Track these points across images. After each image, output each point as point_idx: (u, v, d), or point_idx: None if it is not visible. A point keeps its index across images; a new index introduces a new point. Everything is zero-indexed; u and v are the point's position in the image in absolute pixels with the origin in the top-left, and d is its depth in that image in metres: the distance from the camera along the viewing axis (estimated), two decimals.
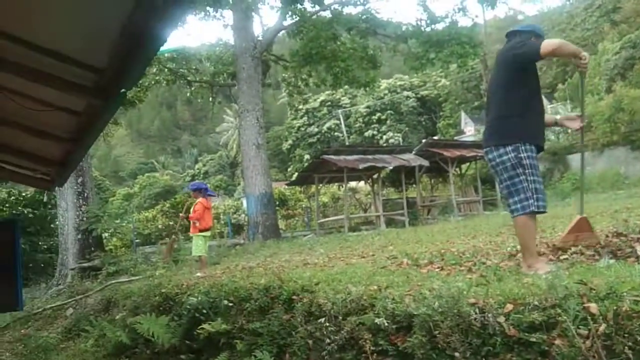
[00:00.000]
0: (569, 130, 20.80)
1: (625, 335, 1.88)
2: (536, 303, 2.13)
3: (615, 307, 1.94)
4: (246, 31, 14.24)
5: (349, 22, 14.22)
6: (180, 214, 8.27)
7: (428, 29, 14.68)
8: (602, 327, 1.90)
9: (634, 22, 27.54)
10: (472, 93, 41.38)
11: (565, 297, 2.07)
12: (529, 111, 3.17)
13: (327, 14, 14.72)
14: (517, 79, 3.16)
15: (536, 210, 3.04)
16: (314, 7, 14.82)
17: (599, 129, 18.47)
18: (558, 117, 3.76)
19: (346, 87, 22.95)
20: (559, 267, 2.90)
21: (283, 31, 15.24)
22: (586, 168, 18.80)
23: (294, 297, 3.65)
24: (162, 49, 2.44)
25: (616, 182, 16.75)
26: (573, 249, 3.42)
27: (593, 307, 1.98)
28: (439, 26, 14.65)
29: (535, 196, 3.03)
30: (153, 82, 16.73)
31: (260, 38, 14.86)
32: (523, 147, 3.08)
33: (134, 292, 6.25)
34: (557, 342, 1.99)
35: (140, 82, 14.80)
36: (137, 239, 16.29)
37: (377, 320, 2.72)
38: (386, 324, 2.68)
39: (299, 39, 14.17)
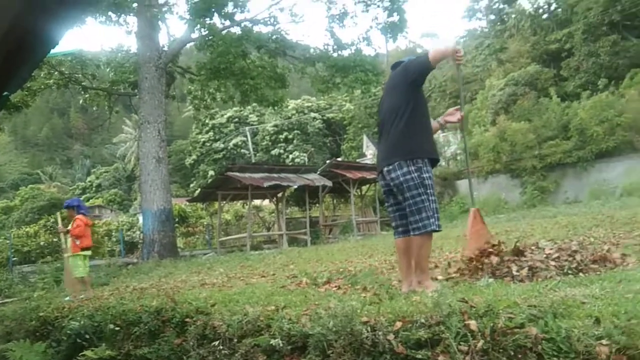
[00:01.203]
0: (458, 157, 22.64)
1: (501, 350, 2.02)
2: (423, 320, 2.23)
3: (492, 324, 2.08)
4: (151, 40, 13.70)
5: (258, 41, 14.27)
6: (59, 226, 7.35)
7: (335, 55, 15.21)
8: (480, 343, 2.03)
9: (517, 62, 30.81)
10: (374, 118, 43.33)
11: (449, 314, 2.19)
12: (427, 130, 3.35)
13: (237, 30, 14.66)
14: (413, 100, 3.29)
15: (436, 229, 3.15)
16: (224, 22, 14.69)
17: (484, 158, 20.25)
18: (440, 119, 3.74)
19: (254, 104, 22.93)
20: (444, 286, 3.08)
21: (191, 43, 14.90)
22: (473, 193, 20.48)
23: (187, 319, 3.49)
24: (54, 51, 2.25)
25: (498, 207, 18.39)
26: (457, 266, 3.65)
27: (473, 324, 2.11)
28: (345, 53, 15.24)
29: (435, 215, 3.15)
30: (42, 87, 15.40)
31: (165, 48, 14.36)
32: (425, 168, 3.21)
33: (7, 316, 5.58)
34: (441, 358, 2.10)
35: (28, 85, 13.56)
36: (14, 257, 14.71)
37: (272, 342, 2.69)
38: (281, 345, 2.65)
39: (208, 53, 13.92)
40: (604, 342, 1.73)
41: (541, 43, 30.72)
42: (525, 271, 3.14)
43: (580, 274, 3.07)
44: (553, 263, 3.19)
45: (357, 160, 30.97)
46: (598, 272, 3.06)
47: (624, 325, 1.72)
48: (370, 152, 39.60)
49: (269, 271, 6.14)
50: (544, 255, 3.31)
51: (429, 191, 3.17)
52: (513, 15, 34.34)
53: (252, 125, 44.99)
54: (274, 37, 14.52)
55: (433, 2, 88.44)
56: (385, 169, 3.28)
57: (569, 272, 3.11)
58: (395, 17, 15.06)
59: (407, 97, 3.29)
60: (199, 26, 13.69)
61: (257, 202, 21.38)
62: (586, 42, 26.79)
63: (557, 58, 29.34)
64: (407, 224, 3.26)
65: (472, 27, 39.79)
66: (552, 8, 34.21)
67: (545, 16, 33.98)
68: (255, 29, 14.95)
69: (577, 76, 26.93)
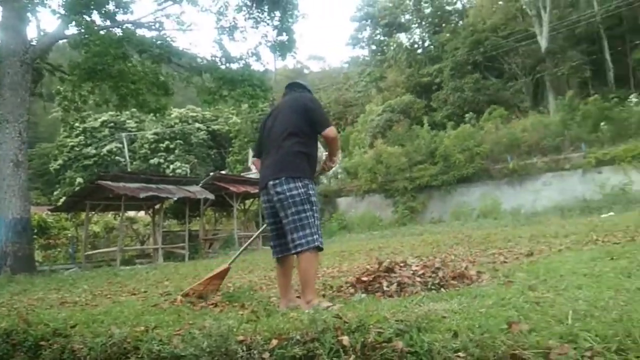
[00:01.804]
0: (339, 177, 23.59)
1: None
2: (298, 337, 2.25)
3: (363, 339, 2.17)
4: (17, 32, 12.26)
5: (141, 44, 13.52)
6: None
7: (223, 67, 14.99)
8: (352, 359, 2.10)
9: (394, 91, 33.28)
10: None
11: (323, 330, 2.24)
12: (314, 154, 3.43)
13: (118, 31, 13.76)
14: (307, 127, 3.37)
15: (320, 245, 3.18)
16: (105, 21, 13.71)
17: (362, 177, 21.39)
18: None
19: (133, 110, 21.58)
20: (333, 303, 3.14)
21: (64, 40, 13.63)
22: (350, 210, 21.44)
23: (42, 342, 3.12)
24: None
25: (372, 224, 19.48)
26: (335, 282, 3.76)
27: (345, 339, 2.17)
28: (234, 66, 15.10)
29: (319, 232, 3.19)
30: None
31: (34, 43, 12.97)
32: (311, 185, 3.26)
33: None
34: None
35: None
36: None
37: None
38: None
39: (83, 52, 12.83)
40: (460, 354, 1.89)
41: (415, 75, 33.52)
42: (395, 287, 3.34)
43: (442, 289, 3.35)
44: (419, 279, 3.44)
45: (242, 174, 30.68)
46: (457, 288, 3.36)
47: (477, 339, 1.90)
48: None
49: (141, 288, 5.76)
50: (411, 272, 3.56)
51: (314, 208, 3.22)
52: (392, 48, 37.01)
53: (129, 131, 42.31)
54: (159, 42, 13.88)
55: (321, 27, 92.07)
56: (271, 182, 3.24)
57: (433, 287, 3.38)
58: (284, 37, 15.34)
59: (303, 126, 3.37)
60: (74, 23, 12.60)
61: (131, 213, 20.04)
62: (453, 78, 29.83)
63: (429, 90, 32.22)
64: (286, 243, 3.26)
65: (355, 55, 42.03)
66: (426, 44, 37.56)
67: (419, 51, 37.18)
68: (139, 32, 14.19)
69: (445, 108, 29.78)
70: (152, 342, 2.61)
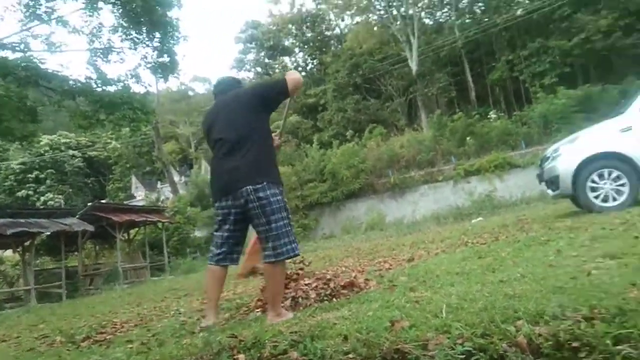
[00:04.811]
0: None
1: None
2: None
3: (259, 354, 2.20)
4: None
5: (4, 67, 12.25)
6: None
7: (99, 89, 14.11)
8: None
9: (282, 112, 33.90)
10: (144, 158, 41.38)
11: (219, 351, 2.23)
12: (276, 158, 3.33)
13: None
14: (267, 125, 3.23)
15: (298, 254, 3.11)
16: None
17: None
18: None
19: None
20: (215, 323, 3.11)
21: None
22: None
23: None
24: None
25: None
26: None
27: (241, 357, 2.19)
28: (111, 88, 14.29)
29: (295, 241, 3.09)
30: None
31: None
32: (284, 192, 3.18)
33: None
34: None
35: None
36: None
37: None
38: None
39: None
40: (350, 355, 2.01)
41: (301, 97, 34.49)
42: (289, 302, 3.41)
43: (334, 299, 3.49)
44: (312, 292, 3.56)
45: (125, 202, 28.85)
46: (348, 297, 3.53)
47: (364, 339, 2.04)
48: (140, 194, 37.38)
49: (12, 334, 5.16)
50: (305, 285, 3.67)
51: (289, 216, 3.15)
52: (277, 70, 37.77)
53: None
54: (24, 64, 12.69)
55: (205, 48, 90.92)
56: (251, 187, 3.00)
57: (325, 298, 3.51)
58: (165, 58, 14.92)
59: (262, 120, 3.23)
60: None
61: None
62: (336, 99, 31.23)
63: (315, 111, 33.35)
64: (234, 253, 3.23)
65: (241, 77, 42.16)
66: (309, 67, 38.92)
67: (303, 74, 38.38)
68: (2, 53, 12.87)
69: (330, 127, 31.00)
70: None
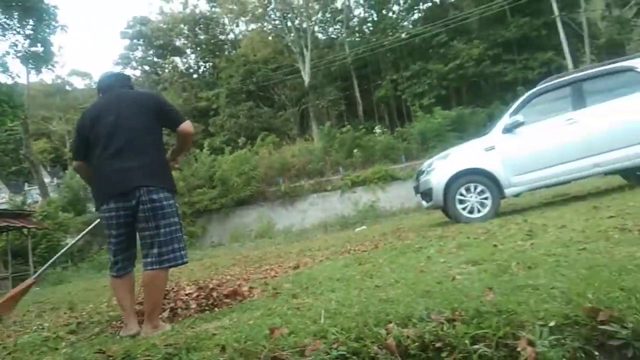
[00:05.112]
0: None
1: None
2: None
3: None
4: None
5: None
6: None
7: None
8: None
9: None
10: (9, 156, 37.02)
11: None
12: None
13: None
14: (159, 130, 3.12)
15: (187, 261, 2.99)
16: None
17: None
18: None
19: None
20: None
21: None
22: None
23: None
24: None
25: None
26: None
27: None
28: None
29: (185, 248, 3.00)
30: None
31: None
32: (176, 198, 3.07)
33: None
34: None
35: None
36: None
37: None
38: None
39: None
40: None
41: (192, 100, 33.48)
42: (168, 313, 3.27)
43: (216, 309, 3.42)
44: (193, 302, 3.44)
45: None
46: (231, 306, 3.47)
47: (242, 348, 2.02)
48: (3, 195, 33.32)
49: None
50: (185, 296, 3.54)
51: (181, 222, 3.03)
52: (167, 70, 36.27)
53: None
54: None
55: (87, 40, 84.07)
56: (145, 188, 2.86)
57: (207, 308, 3.42)
58: (39, 48, 13.58)
59: (158, 129, 3.11)
60: None
61: None
62: (229, 104, 30.82)
63: (206, 115, 32.53)
64: (131, 257, 3.06)
65: (126, 74, 39.65)
66: (201, 70, 37.95)
67: (195, 76, 37.34)
68: None
69: (222, 133, 30.47)
70: None
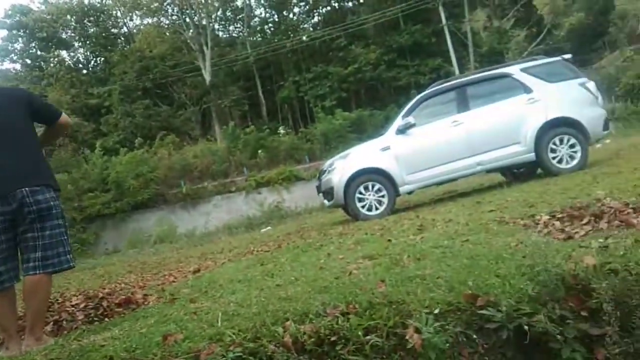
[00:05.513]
0: None
1: None
2: None
3: None
4: None
5: None
6: None
7: None
8: None
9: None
10: None
11: None
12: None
13: None
14: (33, 127, 2.88)
15: (74, 266, 2.75)
16: None
17: None
18: None
19: None
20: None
21: None
22: None
23: None
24: None
25: None
26: None
27: None
28: None
29: (71, 252, 2.76)
30: None
31: None
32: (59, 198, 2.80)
33: None
34: None
35: None
36: None
37: None
38: None
39: None
40: None
41: (81, 96, 31.07)
42: (51, 326, 3.01)
43: (107, 319, 3.21)
44: (80, 313, 3.20)
45: None
46: (123, 315, 3.28)
47: (130, 357, 1.92)
48: None
49: None
50: (71, 307, 3.28)
51: (66, 224, 2.77)
52: (52, 64, 33.35)
53: None
54: None
55: None
56: (28, 189, 2.59)
57: (95, 319, 3.20)
58: None
59: (31, 125, 2.85)
60: None
61: None
62: (123, 102, 29.06)
63: (98, 113, 30.38)
64: (15, 268, 2.69)
65: (5, 68, 35.81)
66: (92, 65, 35.41)
67: (84, 71, 34.72)
68: None
69: (116, 132, 28.66)
70: None
